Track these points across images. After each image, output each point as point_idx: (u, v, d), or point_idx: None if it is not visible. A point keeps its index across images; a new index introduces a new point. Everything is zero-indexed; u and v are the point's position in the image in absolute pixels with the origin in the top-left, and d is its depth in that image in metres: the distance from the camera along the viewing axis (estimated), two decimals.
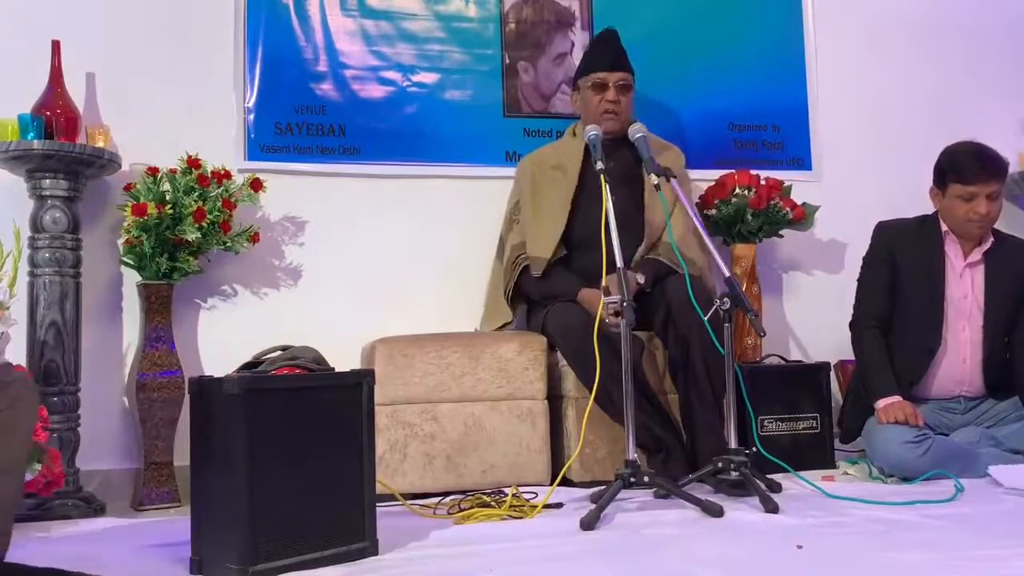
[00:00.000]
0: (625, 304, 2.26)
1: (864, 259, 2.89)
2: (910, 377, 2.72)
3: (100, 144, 2.74)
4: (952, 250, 2.77)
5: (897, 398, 2.64)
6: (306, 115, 3.12)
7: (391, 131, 3.19)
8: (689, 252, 2.82)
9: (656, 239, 2.86)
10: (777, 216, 3.16)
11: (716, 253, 2.44)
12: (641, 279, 2.72)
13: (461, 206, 3.21)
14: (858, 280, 2.89)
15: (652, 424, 2.62)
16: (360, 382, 1.87)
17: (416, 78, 3.23)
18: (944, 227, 2.78)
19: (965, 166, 2.67)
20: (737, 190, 3.14)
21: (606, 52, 2.98)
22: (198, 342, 2.98)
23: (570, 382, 2.72)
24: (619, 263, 2.32)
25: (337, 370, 1.93)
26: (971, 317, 2.74)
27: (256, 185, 2.90)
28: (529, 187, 2.98)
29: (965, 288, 2.75)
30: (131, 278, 2.88)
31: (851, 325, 2.86)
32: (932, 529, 1.95)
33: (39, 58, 2.76)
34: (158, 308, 2.77)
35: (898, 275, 2.77)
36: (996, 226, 2.78)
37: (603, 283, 2.42)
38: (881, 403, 2.65)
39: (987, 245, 2.75)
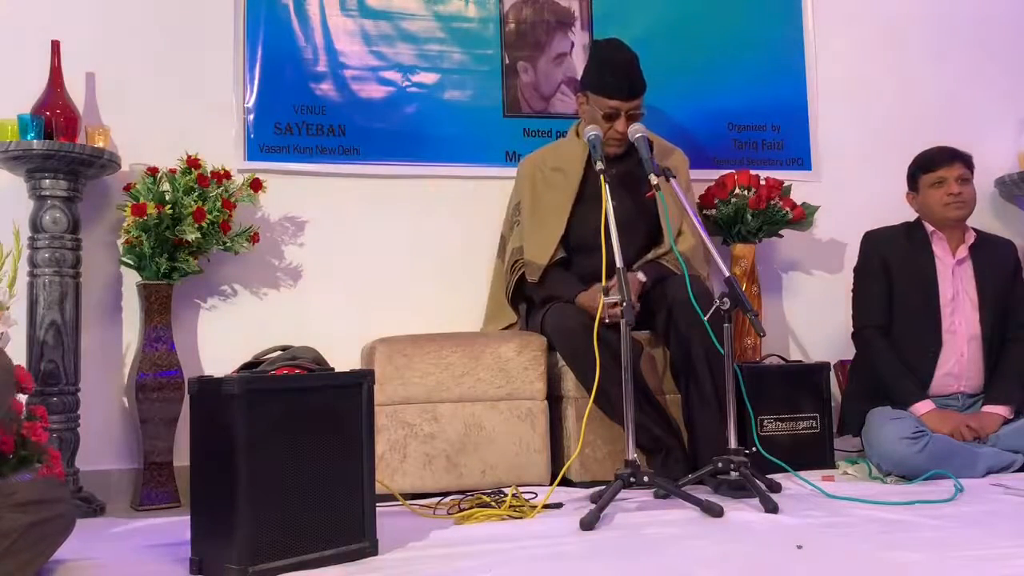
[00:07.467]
0: (625, 304, 2.26)
1: (856, 269, 2.94)
2: (919, 380, 2.75)
3: (100, 144, 2.75)
4: (940, 249, 2.83)
5: (933, 406, 2.70)
6: (306, 115, 3.12)
7: (391, 131, 3.19)
8: (698, 266, 2.82)
9: (667, 249, 2.80)
10: (777, 216, 3.16)
11: (717, 255, 2.43)
12: (643, 277, 2.72)
13: (461, 206, 3.21)
14: (853, 291, 2.93)
15: (651, 425, 2.61)
16: (360, 382, 1.88)
17: (416, 78, 3.23)
18: (929, 228, 2.86)
19: (928, 157, 2.86)
20: (737, 190, 3.14)
21: (626, 79, 2.78)
22: (198, 342, 2.98)
23: (570, 382, 2.71)
24: (619, 264, 2.32)
25: (337, 370, 1.93)
26: (966, 313, 2.79)
27: (256, 185, 2.89)
28: (529, 189, 2.96)
29: (957, 285, 2.80)
30: (131, 278, 2.88)
31: (855, 335, 2.89)
32: (932, 529, 1.95)
33: (39, 58, 2.75)
34: (158, 308, 2.77)
35: (892, 281, 2.83)
36: (986, 229, 2.85)
37: (603, 282, 2.41)
38: (921, 410, 2.68)
39: (971, 240, 2.84)
